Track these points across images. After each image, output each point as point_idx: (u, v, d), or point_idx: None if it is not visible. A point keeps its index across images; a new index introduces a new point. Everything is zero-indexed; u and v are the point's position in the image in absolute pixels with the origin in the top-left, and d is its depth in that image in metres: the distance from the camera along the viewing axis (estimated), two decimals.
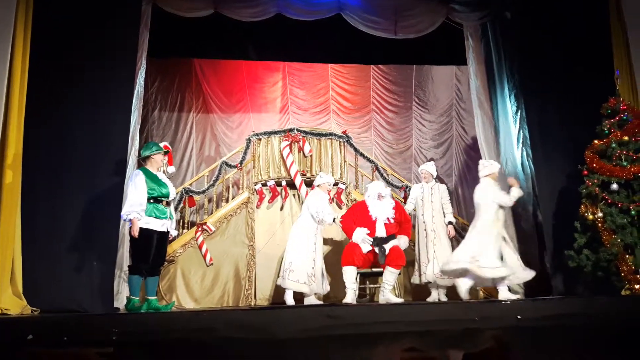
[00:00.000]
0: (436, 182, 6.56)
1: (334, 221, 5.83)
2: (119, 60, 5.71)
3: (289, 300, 5.65)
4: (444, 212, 6.26)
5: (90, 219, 5.21)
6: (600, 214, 5.31)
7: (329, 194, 6.32)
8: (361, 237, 5.61)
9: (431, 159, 9.24)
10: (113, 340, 3.41)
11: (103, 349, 3.37)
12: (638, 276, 5.08)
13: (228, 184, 7.49)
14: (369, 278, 6.06)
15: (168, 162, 5.49)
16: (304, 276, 5.66)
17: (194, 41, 8.04)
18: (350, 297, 5.46)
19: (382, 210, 5.78)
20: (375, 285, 5.85)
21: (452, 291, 5.85)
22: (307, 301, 5.76)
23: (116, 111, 5.58)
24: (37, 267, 5.00)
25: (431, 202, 6.28)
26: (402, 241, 5.73)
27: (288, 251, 5.85)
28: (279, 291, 6.29)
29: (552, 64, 6.51)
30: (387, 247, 5.58)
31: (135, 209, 4.76)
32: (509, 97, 6.77)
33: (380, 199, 5.83)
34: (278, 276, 6.05)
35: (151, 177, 4.97)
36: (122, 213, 4.87)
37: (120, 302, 5.45)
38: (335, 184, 6.81)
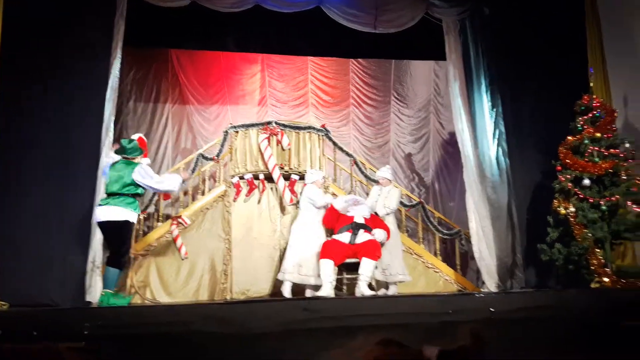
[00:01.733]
0: (395, 187, 6.69)
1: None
2: (94, 50, 5.58)
3: (287, 291, 5.74)
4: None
5: (61, 211, 5.10)
6: (573, 209, 5.42)
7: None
8: (342, 200, 5.99)
9: (409, 154, 9.32)
10: (85, 334, 3.36)
11: (74, 344, 3.31)
12: (607, 270, 5.21)
13: (204, 177, 7.41)
14: (346, 270, 6.07)
15: (143, 154, 5.44)
16: (312, 269, 5.79)
17: (170, 31, 7.88)
18: (327, 290, 5.48)
19: (359, 211, 6.00)
20: (353, 275, 5.86)
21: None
22: (309, 292, 5.88)
23: (90, 102, 5.46)
24: (6, 259, 4.87)
25: (383, 206, 6.37)
26: (378, 233, 5.81)
27: (294, 246, 5.95)
28: (258, 284, 6.29)
29: (529, 60, 6.60)
30: (363, 238, 5.72)
31: (173, 180, 5.16)
32: (486, 92, 6.84)
33: (356, 204, 6.04)
34: (279, 271, 6.10)
35: None
36: (173, 187, 5.19)
37: (92, 296, 5.34)
38: None
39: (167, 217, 6.83)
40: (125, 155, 5.13)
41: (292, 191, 6.57)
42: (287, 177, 6.65)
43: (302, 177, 6.67)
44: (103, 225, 4.98)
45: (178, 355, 3.48)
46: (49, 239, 5.02)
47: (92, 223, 5.23)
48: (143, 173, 5.02)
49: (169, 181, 5.17)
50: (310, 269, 5.82)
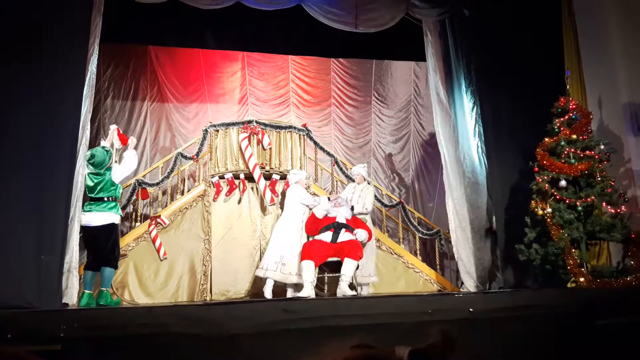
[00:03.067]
0: (369, 183, 6.74)
1: (329, 199, 6.18)
2: (70, 46, 5.44)
3: (268, 291, 5.70)
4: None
5: (36, 210, 4.97)
6: (549, 210, 5.49)
7: (287, 185, 6.45)
8: (324, 205, 6.05)
9: (389, 154, 9.36)
10: (61, 337, 3.29)
11: (50, 347, 3.24)
12: (583, 269, 5.30)
13: (183, 176, 7.34)
14: (327, 269, 6.07)
15: (122, 142, 5.53)
16: (295, 268, 5.76)
17: (149, 27, 7.76)
18: (308, 291, 5.48)
19: (341, 211, 6.03)
20: (336, 275, 5.85)
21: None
22: (290, 293, 5.86)
23: (66, 99, 5.32)
24: None
25: (357, 203, 6.43)
26: (359, 233, 5.86)
27: (277, 245, 5.90)
28: (239, 284, 6.25)
29: (507, 62, 6.68)
30: (345, 237, 5.76)
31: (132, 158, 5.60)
32: (466, 93, 6.90)
33: (337, 206, 6.08)
34: (257, 267, 6.08)
35: None
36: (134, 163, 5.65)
37: (69, 298, 5.25)
38: None
39: (146, 217, 6.74)
40: (98, 171, 5.35)
41: (273, 191, 6.54)
42: (267, 177, 6.62)
43: (283, 177, 6.65)
44: (92, 230, 5.24)
45: (157, 357, 3.43)
46: (23, 240, 4.89)
47: (68, 223, 5.13)
48: (117, 172, 5.36)
49: (131, 161, 5.57)
50: (293, 267, 5.79)
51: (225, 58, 8.86)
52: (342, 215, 5.98)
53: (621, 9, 6.51)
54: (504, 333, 3.84)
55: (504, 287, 6.20)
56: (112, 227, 5.27)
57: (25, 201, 4.97)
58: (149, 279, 6.21)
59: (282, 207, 6.41)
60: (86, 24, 5.60)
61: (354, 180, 6.85)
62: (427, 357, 0.80)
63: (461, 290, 6.53)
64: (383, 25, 6.97)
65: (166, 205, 6.83)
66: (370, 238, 6.06)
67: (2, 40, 5.20)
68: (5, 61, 5.18)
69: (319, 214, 6.04)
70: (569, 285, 5.35)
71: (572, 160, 5.61)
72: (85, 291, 5.17)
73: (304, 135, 7.10)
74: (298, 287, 5.76)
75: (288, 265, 5.80)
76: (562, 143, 5.70)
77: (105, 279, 5.24)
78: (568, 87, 6.17)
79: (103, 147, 5.46)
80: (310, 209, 6.17)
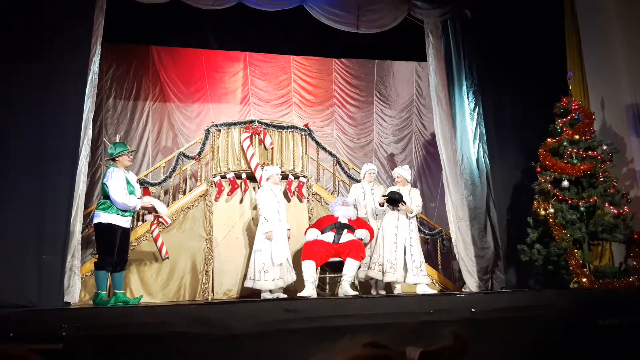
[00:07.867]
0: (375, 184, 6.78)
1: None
2: (72, 46, 5.45)
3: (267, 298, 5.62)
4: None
5: (38, 209, 4.98)
6: (552, 210, 5.48)
7: (289, 185, 6.42)
8: (314, 235, 5.90)
9: (391, 154, 9.36)
10: (62, 336, 3.29)
11: (52, 346, 3.24)
12: (585, 270, 5.29)
13: (185, 176, 7.34)
14: (329, 270, 6.07)
15: (124, 154, 5.43)
16: (277, 272, 5.66)
17: (152, 27, 7.79)
18: (309, 290, 5.47)
19: (344, 211, 6.02)
20: (337, 275, 5.84)
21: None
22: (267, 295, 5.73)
23: (68, 98, 5.34)
24: None
25: (373, 201, 6.38)
26: (359, 233, 5.88)
27: (259, 253, 5.76)
28: (240, 284, 6.24)
29: (509, 63, 6.67)
30: (347, 238, 5.75)
31: (133, 202, 4.98)
32: (467, 94, 6.90)
33: (344, 204, 6.08)
34: (245, 278, 5.93)
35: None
36: (130, 206, 4.99)
37: (71, 297, 5.27)
38: (297, 177, 6.79)
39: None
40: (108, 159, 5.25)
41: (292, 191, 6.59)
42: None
43: (284, 177, 6.65)
44: None
45: (158, 356, 3.43)
46: (24, 239, 4.90)
47: (69, 222, 5.15)
48: (108, 175, 5.01)
49: (131, 200, 5.02)
50: (276, 272, 5.66)
51: (227, 58, 8.86)
52: (344, 216, 5.98)
53: (624, 10, 6.49)
54: (506, 333, 3.83)
55: (506, 287, 6.19)
56: (97, 226, 5.00)
57: (28, 200, 4.98)
58: (151, 278, 6.21)
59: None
60: (89, 23, 5.61)
61: (357, 180, 6.84)
62: (438, 359, 0.79)
63: (463, 290, 6.52)
64: (385, 26, 6.97)
65: (168, 205, 6.83)
66: (372, 238, 6.05)
67: (4, 39, 5.21)
68: (8, 60, 5.19)
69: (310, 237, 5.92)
70: (571, 285, 5.34)
71: (575, 161, 5.60)
72: (116, 291, 5.08)
73: (305, 135, 7.10)
74: (273, 291, 5.66)
75: (271, 272, 5.65)
76: (565, 143, 5.69)
77: (100, 282, 5.00)
78: (570, 87, 6.17)
79: (122, 145, 5.29)
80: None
